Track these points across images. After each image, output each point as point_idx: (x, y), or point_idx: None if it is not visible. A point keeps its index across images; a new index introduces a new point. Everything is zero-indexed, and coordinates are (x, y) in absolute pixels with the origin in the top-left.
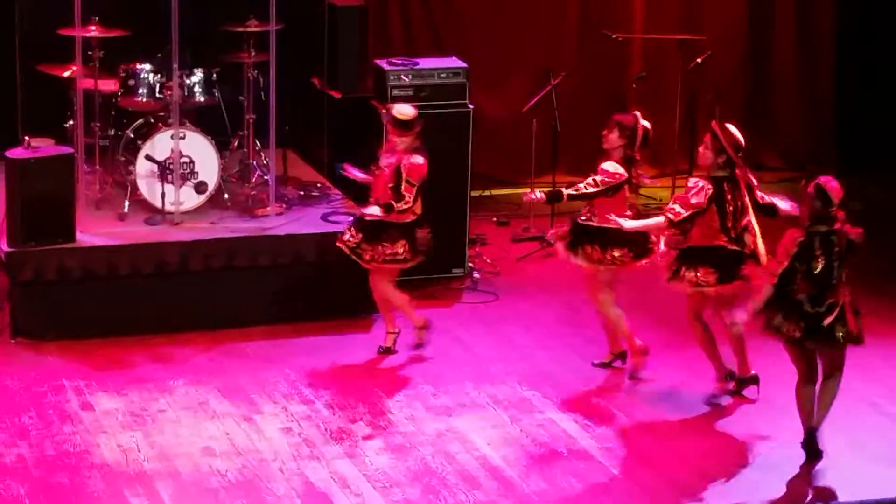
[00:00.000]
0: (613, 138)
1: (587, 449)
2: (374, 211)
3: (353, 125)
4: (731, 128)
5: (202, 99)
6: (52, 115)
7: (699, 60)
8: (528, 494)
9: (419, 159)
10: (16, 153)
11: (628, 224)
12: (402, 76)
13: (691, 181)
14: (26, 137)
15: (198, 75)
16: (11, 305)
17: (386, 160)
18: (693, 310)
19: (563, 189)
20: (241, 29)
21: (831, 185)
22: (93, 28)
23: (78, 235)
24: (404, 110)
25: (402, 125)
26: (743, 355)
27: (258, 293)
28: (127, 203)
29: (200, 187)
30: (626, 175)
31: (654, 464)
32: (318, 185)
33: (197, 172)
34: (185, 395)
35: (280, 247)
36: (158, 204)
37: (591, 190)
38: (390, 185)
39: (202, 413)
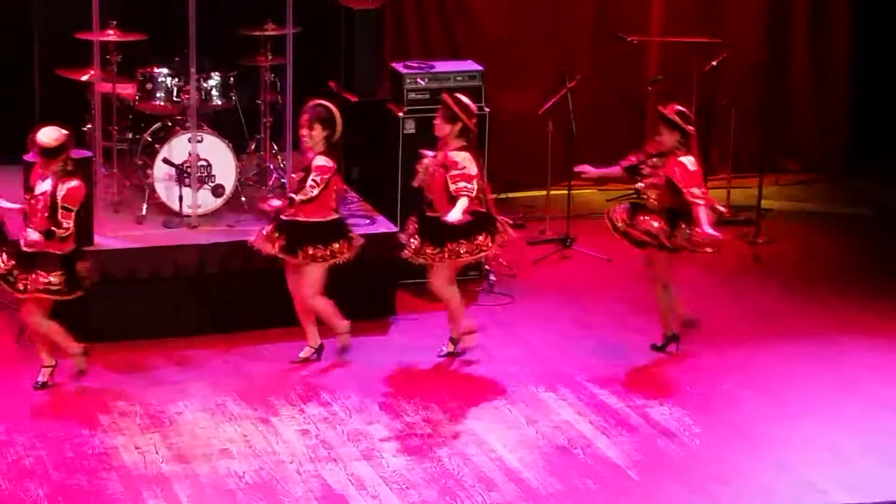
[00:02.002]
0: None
1: (603, 451)
2: (33, 237)
3: (369, 128)
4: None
5: (219, 102)
6: (71, 118)
7: (714, 63)
8: (544, 496)
9: (75, 183)
10: (34, 157)
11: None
12: (419, 79)
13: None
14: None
15: (215, 79)
16: None
17: (40, 187)
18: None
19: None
20: (258, 33)
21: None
22: (111, 32)
23: (96, 238)
24: (50, 135)
25: (48, 153)
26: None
27: (275, 296)
28: (145, 206)
29: (218, 190)
30: None
31: (671, 466)
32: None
33: (214, 175)
34: (202, 397)
35: None
36: (176, 207)
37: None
38: (46, 212)
39: (220, 415)
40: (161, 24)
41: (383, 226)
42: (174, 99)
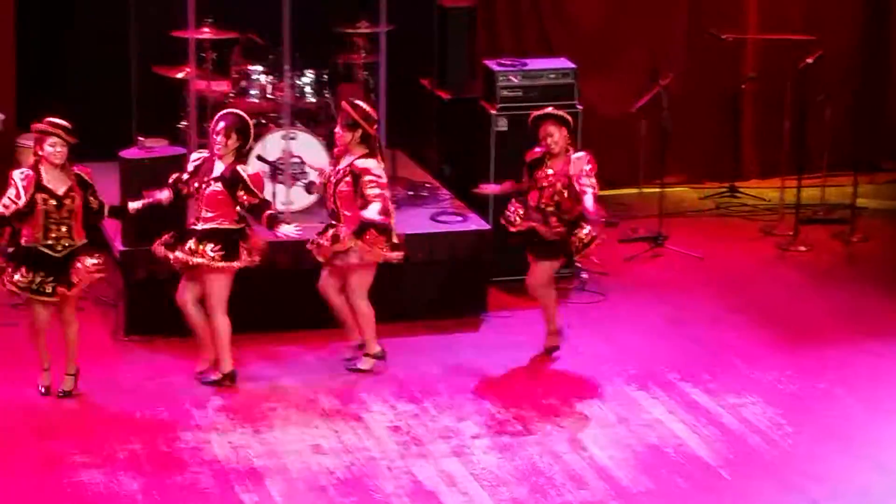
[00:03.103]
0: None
1: (695, 449)
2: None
3: (462, 126)
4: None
5: (313, 100)
6: (166, 115)
7: (810, 60)
8: (634, 495)
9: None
10: (130, 153)
11: None
12: (511, 77)
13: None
14: (140, 138)
15: (309, 76)
16: (125, 304)
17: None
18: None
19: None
20: (351, 30)
21: None
22: (206, 30)
23: None
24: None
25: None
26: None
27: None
28: None
29: (310, 187)
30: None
31: (763, 465)
32: (427, 185)
33: (307, 172)
34: (294, 393)
35: None
36: None
37: None
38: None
39: (311, 411)
40: (256, 23)
41: (475, 223)
42: (268, 96)
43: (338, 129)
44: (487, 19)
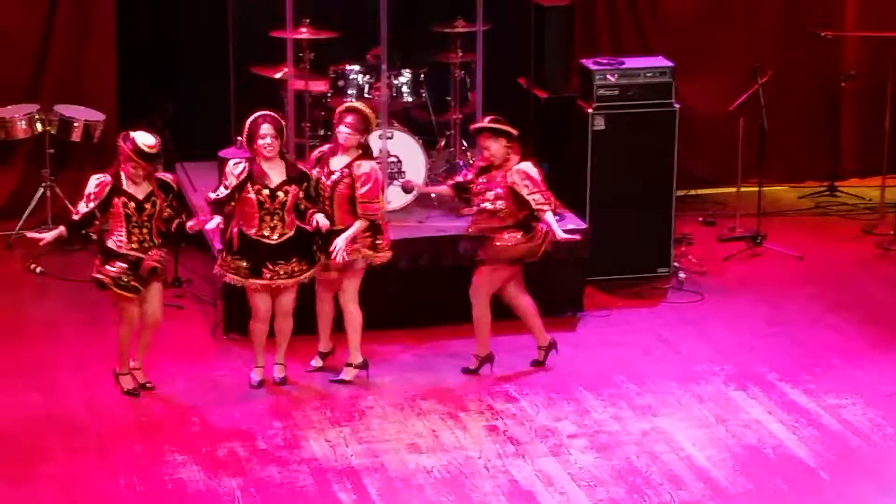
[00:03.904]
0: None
1: (794, 450)
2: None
3: (559, 125)
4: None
5: (410, 99)
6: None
7: None
8: (733, 496)
9: None
10: (228, 153)
11: None
12: (608, 76)
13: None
14: (238, 138)
15: (405, 76)
16: (223, 303)
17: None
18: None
19: None
20: (448, 30)
21: None
22: (304, 30)
23: None
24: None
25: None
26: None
27: (464, 291)
28: None
29: (408, 186)
30: None
31: (863, 466)
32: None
33: (404, 172)
34: (392, 391)
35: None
36: None
37: None
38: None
39: (409, 410)
40: (353, 22)
41: (572, 222)
42: (365, 96)
43: (346, 130)
44: (585, 18)
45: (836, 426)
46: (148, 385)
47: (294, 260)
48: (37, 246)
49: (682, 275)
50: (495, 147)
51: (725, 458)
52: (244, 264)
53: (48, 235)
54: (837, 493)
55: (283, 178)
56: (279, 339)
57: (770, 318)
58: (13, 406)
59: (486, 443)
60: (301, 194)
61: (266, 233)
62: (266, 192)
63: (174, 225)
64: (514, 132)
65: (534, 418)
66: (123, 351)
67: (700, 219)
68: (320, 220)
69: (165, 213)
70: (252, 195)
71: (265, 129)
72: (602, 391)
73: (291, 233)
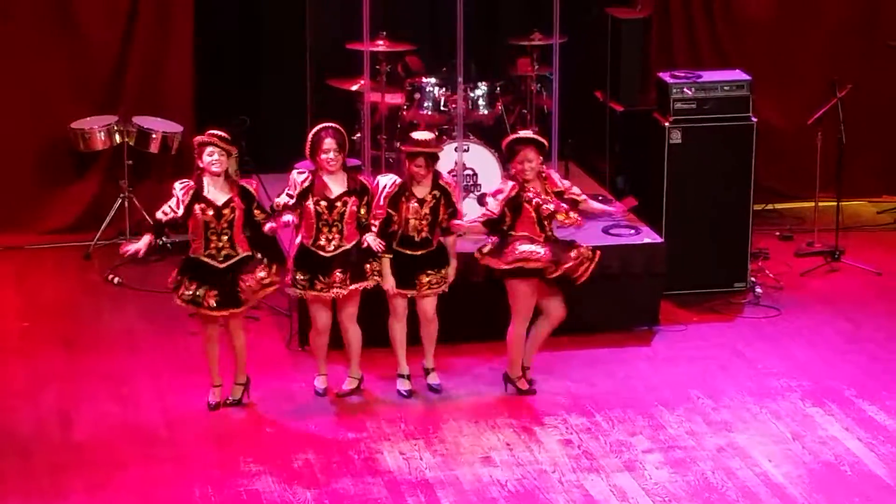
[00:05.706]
0: None
1: (871, 468)
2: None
3: (635, 138)
4: None
5: (486, 112)
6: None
7: None
8: None
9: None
10: (305, 165)
11: None
12: (685, 89)
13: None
14: None
15: (482, 88)
16: (298, 314)
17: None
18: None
19: None
20: (524, 42)
21: None
22: (380, 42)
23: None
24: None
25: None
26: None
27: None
28: None
29: (483, 199)
30: None
31: None
32: (600, 197)
33: (480, 185)
34: (466, 404)
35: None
36: None
37: None
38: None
39: (483, 423)
40: (429, 35)
41: (648, 236)
42: (441, 108)
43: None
44: (661, 31)
45: None
46: (239, 402)
47: (348, 273)
48: (114, 256)
49: (758, 290)
50: (536, 161)
51: (802, 474)
52: (302, 276)
53: (140, 245)
54: None
55: (344, 188)
56: (347, 351)
57: (848, 333)
58: (91, 415)
59: (560, 457)
60: (363, 209)
61: (322, 243)
62: (324, 203)
63: (266, 227)
64: (544, 140)
65: (609, 433)
66: (209, 365)
67: (777, 233)
68: (371, 241)
69: (260, 218)
70: (311, 206)
71: (328, 143)
72: (677, 406)
73: (348, 245)
